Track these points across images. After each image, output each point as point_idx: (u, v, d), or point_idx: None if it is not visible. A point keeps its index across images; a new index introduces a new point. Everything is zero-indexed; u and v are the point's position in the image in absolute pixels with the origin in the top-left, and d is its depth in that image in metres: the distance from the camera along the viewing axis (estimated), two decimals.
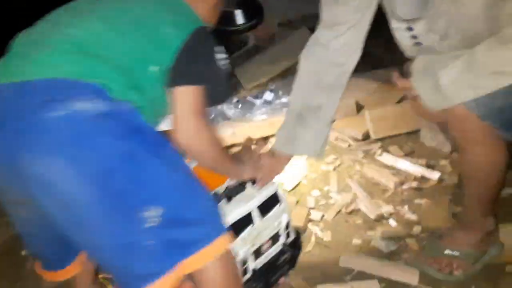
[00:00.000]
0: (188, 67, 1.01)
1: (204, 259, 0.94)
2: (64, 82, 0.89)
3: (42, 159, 0.84)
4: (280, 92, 2.10)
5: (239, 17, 1.94)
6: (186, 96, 1.00)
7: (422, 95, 1.10)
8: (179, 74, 1.00)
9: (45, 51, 0.93)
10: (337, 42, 1.20)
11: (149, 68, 0.98)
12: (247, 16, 1.95)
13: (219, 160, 1.11)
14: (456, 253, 1.29)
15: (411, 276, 1.29)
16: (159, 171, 0.91)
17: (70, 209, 0.87)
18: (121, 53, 0.96)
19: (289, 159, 1.31)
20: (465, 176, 1.28)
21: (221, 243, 0.97)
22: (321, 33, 1.23)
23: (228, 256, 1.00)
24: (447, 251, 1.30)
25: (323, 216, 1.57)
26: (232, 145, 2.00)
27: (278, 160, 1.30)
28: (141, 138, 0.91)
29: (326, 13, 1.20)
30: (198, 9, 1.08)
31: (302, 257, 1.37)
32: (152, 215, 0.87)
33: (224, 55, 1.08)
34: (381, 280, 1.29)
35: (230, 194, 1.18)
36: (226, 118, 2.11)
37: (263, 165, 1.26)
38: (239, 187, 1.22)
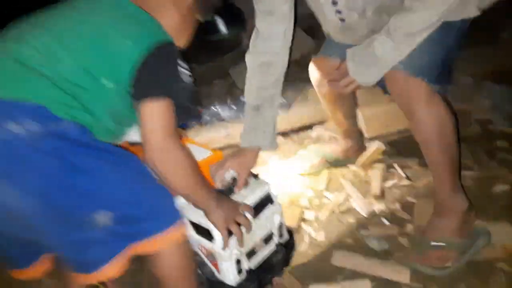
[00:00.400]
0: (147, 81, 0.98)
1: (153, 245, 0.98)
2: (2, 102, 0.88)
3: None
4: None
5: (221, 26, 1.95)
6: (149, 113, 0.98)
7: (359, 77, 1.25)
8: (139, 89, 0.98)
9: None
10: (271, 32, 1.33)
11: (104, 84, 0.95)
12: (228, 23, 1.96)
13: (188, 191, 1.07)
14: (441, 243, 1.32)
15: (402, 275, 1.31)
16: (105, 179, 0.93)
17: (19, 222, 0.92)
18: (69, 71, 0.93)
19: (257, 153, 1.35)
20: (421, 145, 1.33)
21: (172, 232, 1.00)
22: (258, 26, 1.34)
23: (182, 246, 1.03)
24: (433, 243, 1.33)
25: (316, 215, 1.58)
26: (227, 146, 2.01)
27: (247, 156, 1.33)
28: (82, 150, 0.91)
29: (260, 5, 1.31)
30: (164, 22, 1.04)
31: (296, 257, 1.39)
32: (101, 218, 0.91)
33: (188, 71, 1.05)
34: (372, 279, 1.31)
35: None
36: (220, 119, 2.12)
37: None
38: (231, 189, 1.24)
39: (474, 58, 2.56)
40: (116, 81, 0.97)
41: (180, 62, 1.02)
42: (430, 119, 1.24)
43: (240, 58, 2.76)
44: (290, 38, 1.37)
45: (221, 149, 1.94)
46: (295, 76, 2.30)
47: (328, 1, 1.28)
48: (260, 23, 1.34)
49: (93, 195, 0.91)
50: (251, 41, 1.38)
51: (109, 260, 0.95)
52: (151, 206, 0.99)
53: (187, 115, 1.08)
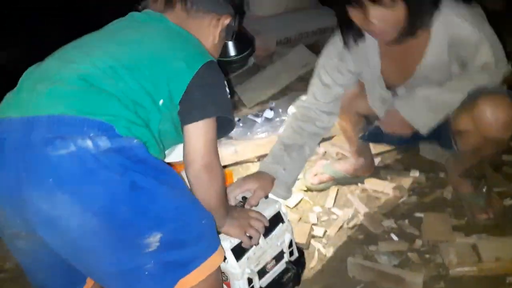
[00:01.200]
0: (200, 100, 1.02)
1: (200, 275, 0.98)
2: (70, 119, 0.89)
3: (47, 196, 0.86)
4: (280, 110, 2.13)
5: (231, 49, 2.01)
6: (199, 132, 1.01)
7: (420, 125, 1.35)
8: (192, 108, 1.01)
9: (53, 86, 0.93)
10: (323, 100, 1.45)
11: (159, 103, 0.99)
12: (239, 47, 2.01)
13: (218, 204, 1.09)
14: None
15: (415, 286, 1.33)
16: (161, 198, 0.93)
17: (73, 243, 0.90)
18: (130, 89, 0.96)
19: (274, 180, 1.38)
20: (476, 145, 1.41)
21: (216, 258, 1.01)
22: (313, 88, 1.46)
23: (218, 271, 1.04)
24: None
25: (325, 232, 1.60)
26: (235, 163, 2.03)
27: (265, 180, 1.36)
28: (144, 168, 0.92)
29: (323, 76, 1.44)
30: (205, 44, 1.11)
31: (306, 273, 1.40)
32: (152, 240, 0.91)
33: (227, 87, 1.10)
34: None
35: None
36: (228, 137, 2.14)
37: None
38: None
39: None
40: (171, 103, 1.00)
41: (225, 78, 1.09)
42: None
43: (246, 76, 2.82)
44: (338, 110, 1.49)
45: (228, 166, 1.97)
46: (300, 91, 2.32)
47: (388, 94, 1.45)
48: (316, 88, 1.46)
49: (149, 215, 0.91)
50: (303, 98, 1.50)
51: None
52: (199, 231, 1.00)
53: (229, 128, 1.14)
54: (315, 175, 1.82)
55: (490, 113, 1.27)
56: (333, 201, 1.74)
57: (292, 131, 1.45)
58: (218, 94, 1.06)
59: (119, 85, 0.95)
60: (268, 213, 1.25)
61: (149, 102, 0.98)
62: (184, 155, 1.04)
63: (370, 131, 1.58)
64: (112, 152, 0.88)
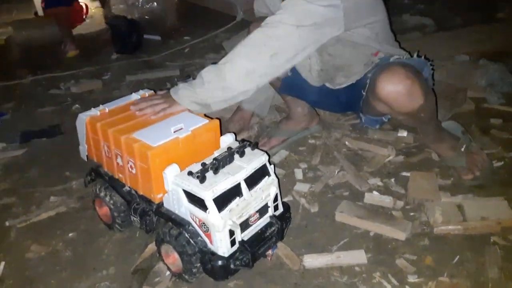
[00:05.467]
0: None
1: None
2: None
3: None
4: None
5: None
6: None
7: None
8: None
9: None
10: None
11: None
12: None
13: None
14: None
15: (400, 233, 1.33)
16: None
17: None
18: None
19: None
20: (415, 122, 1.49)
21: None
22: None
23: None
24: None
25: (310, 187, 1.57)
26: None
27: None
28: None
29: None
30: None
31: (290, 229, 1.37)
32: None
33: None
34: (367, 250, 1.30)
35: (217, 165, 1.17)
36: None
37: None
38: (228, 159, 1.21)
39: (470, 37, 2.55)
40: None
41: None
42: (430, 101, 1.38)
43: (233, 32, 2.73)
44: None
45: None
46: None
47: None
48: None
49: None
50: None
51: None
52: None
53: None
54: (262, 144, 1.79)
55: (388, 93, 1.29)
56: (319, 158, 1.71)
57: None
58: None
59: None
60: (254, 166, 1.22)
61: None
62: None
63: (284, 81, 1.58)
64: None
